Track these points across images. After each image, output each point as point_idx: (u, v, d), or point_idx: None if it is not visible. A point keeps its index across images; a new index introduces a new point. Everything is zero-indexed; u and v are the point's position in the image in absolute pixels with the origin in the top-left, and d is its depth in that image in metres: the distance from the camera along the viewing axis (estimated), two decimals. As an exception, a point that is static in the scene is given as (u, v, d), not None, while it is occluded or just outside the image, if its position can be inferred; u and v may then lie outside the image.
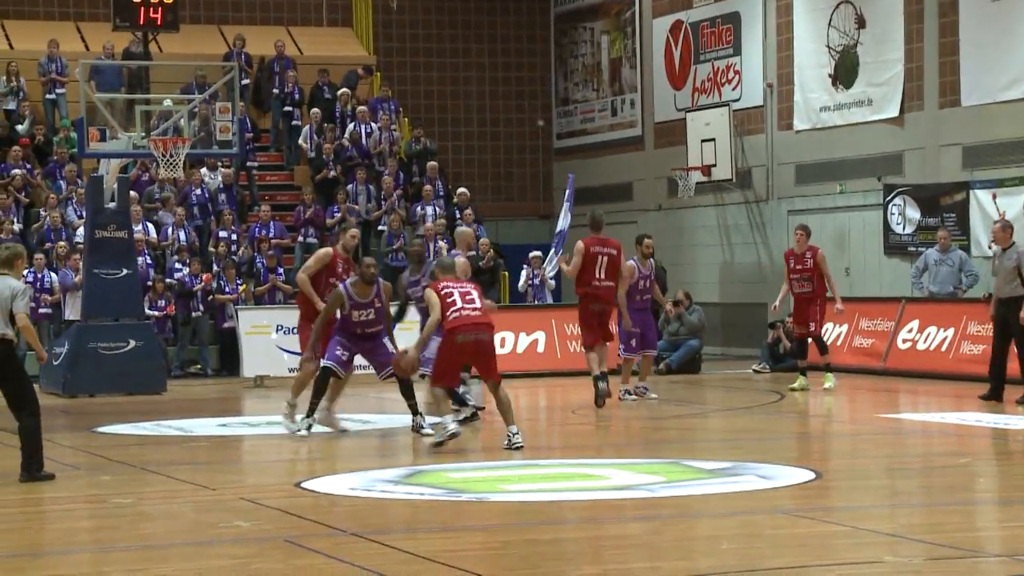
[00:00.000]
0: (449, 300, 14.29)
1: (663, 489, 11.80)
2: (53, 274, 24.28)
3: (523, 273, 25.83)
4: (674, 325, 24.36)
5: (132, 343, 21.66)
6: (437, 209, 27.75)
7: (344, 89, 29.76)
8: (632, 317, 19.13)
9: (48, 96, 28.72)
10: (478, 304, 14.36)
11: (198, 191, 27.05)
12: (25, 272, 21.87)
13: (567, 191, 26.40)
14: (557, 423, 18.52)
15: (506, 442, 14.33)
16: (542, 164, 33.93)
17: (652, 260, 19.89)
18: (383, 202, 27.90)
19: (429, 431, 15.24)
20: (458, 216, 27.46)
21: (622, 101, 31.80)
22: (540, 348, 24.14)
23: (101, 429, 17.03)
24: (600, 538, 9.92)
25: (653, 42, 30.67)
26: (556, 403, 20.67)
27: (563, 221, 25.85)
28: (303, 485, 12.14)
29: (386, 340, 15.64)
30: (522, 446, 14.24)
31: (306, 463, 14.30)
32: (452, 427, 14.44)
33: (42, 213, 25.93)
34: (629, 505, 11.19)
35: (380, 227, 27.61)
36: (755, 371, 23.78)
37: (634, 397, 19.17)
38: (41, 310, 23.64)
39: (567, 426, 17.78)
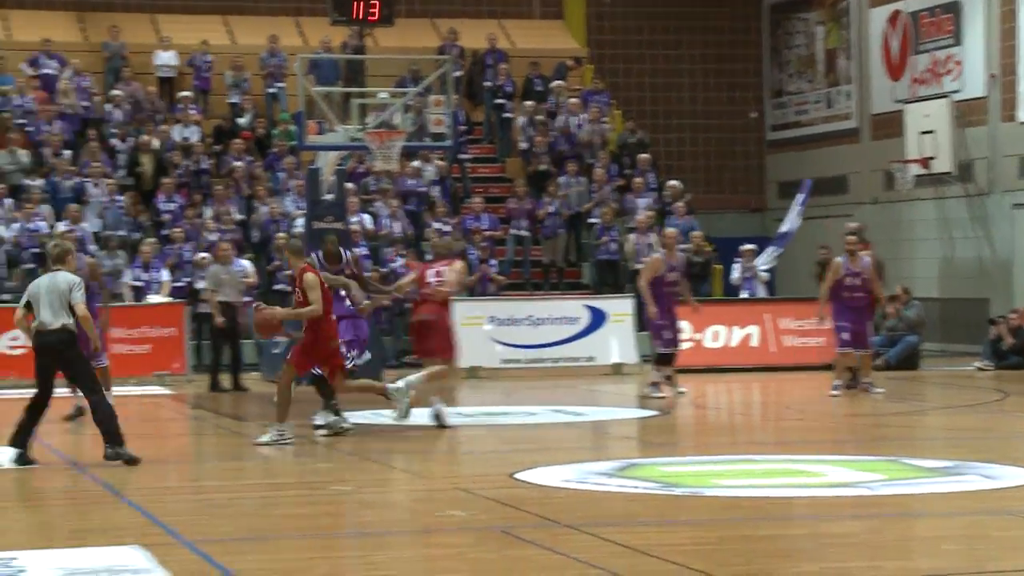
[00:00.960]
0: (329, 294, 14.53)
1: (882, 487, 11.57)
2: (245, 262, 24.58)
3: (735, 266, 25.59)
4: (892, 320, 23.92)
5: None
6: (649, 202, 27.64)
7: (558, 82, 29.82)
8: (845, 314, 18.90)
9: (269, 90, 29.33)
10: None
11: (412, 183, 27.34)
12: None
13: (802, 195, 26.10)
14: (771, 418, 18.31)
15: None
16: (755, 157, 33.58)
17: (867, 256, 19.48)
18: (594, 194, 27.89)
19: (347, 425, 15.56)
20: (669, 208, 27.33)
21: (837, 92, 31.32)
22: (753, 342, 23.89)
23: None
24: (817, 536, 9.75)
25: (870, 32, 30.14)
26: (770, 398, 20.43)
27: (791, 222, 25.52)
28: (517, 476, 12.17)
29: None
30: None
31: (520, 454, 14.31)
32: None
33: (257, 205, 26.45)
34: (847, 503, 10.99)
35: (591, 220, 27.60)
36: (979, 368, 23.21)
37: (837, 393, 18.84)
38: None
39: (781, 421, 17.57)
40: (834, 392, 18.86)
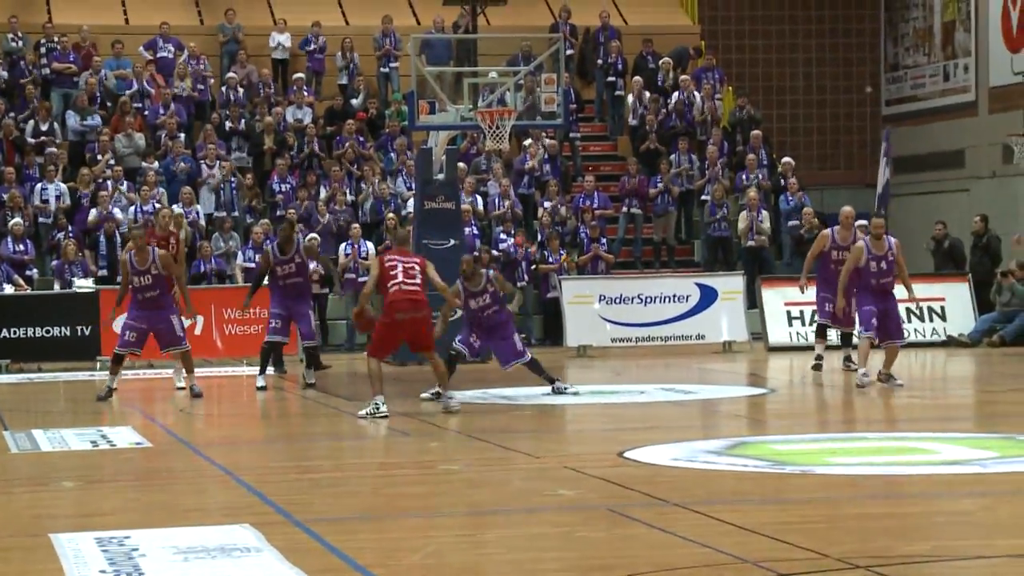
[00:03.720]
0: (392, 273, 14.81)
1: (995, 464, 11.41)
2: (369, 243, 24.76)
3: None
4: (1005, 295, 23.57)
5: (459, 313, 21.98)
6: (761, 178, 27.43)
7: (666, 58, 29.67)
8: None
9: (382, 70, 29.46)
10: (418, 280, 14.89)
11: (524, 162, 27.35)
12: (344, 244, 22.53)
13: (884, 145, 25.68)
14: (883, 395, 18.10)
15: (443, 405, 15.08)
16: (870, 132, 33.19)
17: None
18: (706, 171, 27.74)
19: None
20: (783, 185, 27.12)
21: (955, 66, 30.87)
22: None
23: (424, 395, 17.35)
24: (930, 513, 9.65)
25: (989, 4, 29.63)
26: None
27: (882, 180, 25.12)
28: (626, 455, 12.14)
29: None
30: (458, 409, 14.83)
31: (629, 433, 14.28)
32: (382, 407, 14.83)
33: (363, 186, 26.62)
34: (960, 480, 10.85)
35: (703, 197, 27.45)
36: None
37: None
38: (361, 279, 23.94)
39: (894, 399, 17.36)
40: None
